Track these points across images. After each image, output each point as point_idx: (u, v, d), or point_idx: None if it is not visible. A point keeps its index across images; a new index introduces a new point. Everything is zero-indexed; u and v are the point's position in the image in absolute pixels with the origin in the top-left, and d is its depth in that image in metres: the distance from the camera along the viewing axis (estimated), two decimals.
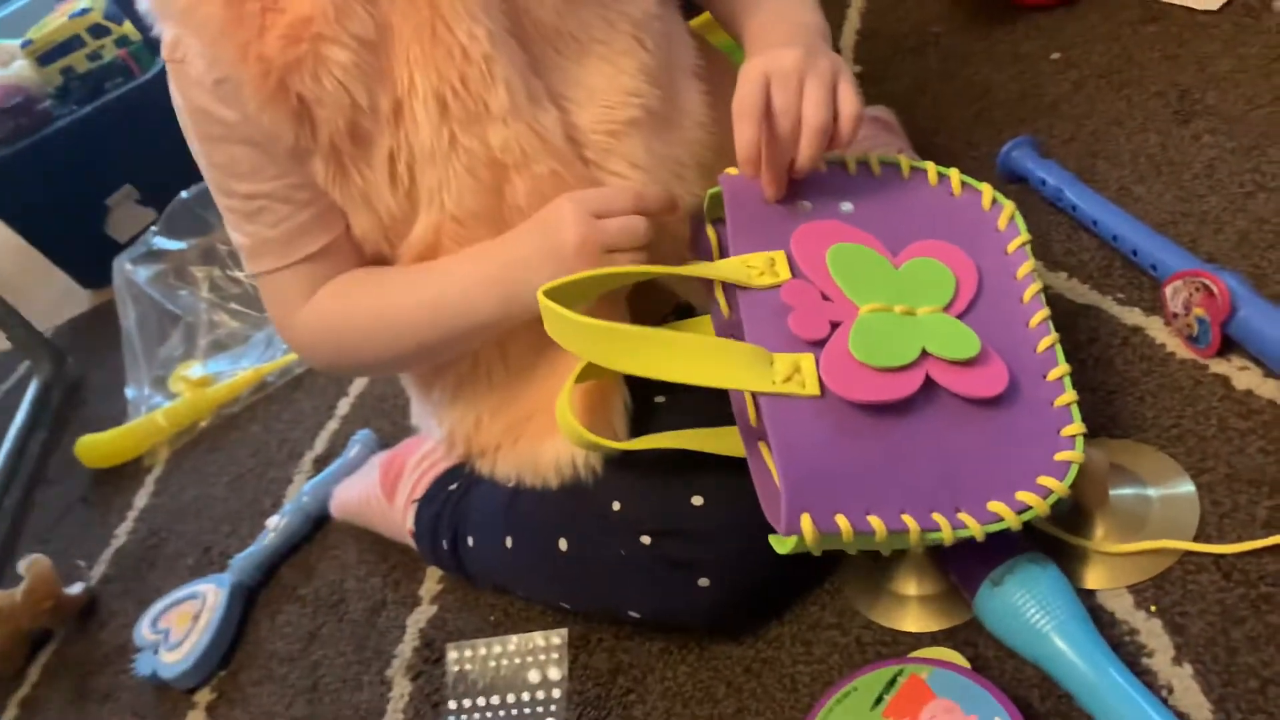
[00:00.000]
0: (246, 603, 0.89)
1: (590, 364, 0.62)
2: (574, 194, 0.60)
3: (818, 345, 0.55)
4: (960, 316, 0.58)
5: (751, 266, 0.58)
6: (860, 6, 1.16)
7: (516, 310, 0.61)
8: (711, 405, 0.61)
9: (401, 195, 0.62)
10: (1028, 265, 0.60)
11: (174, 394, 1.16)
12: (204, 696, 0.84)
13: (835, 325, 0.56)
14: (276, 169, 0.62)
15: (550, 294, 0.57)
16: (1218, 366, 0.64)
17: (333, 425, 1.04)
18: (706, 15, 0.98)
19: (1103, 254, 0.75)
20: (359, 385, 1.08)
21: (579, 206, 0.59)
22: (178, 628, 0.87)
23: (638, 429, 0.65)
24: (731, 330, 0.61)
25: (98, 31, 1.42)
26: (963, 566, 0.58)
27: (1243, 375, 0.62)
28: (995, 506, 0.53)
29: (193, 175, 1.20)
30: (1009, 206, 0.61)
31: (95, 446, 1.16)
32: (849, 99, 0.58)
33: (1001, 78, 0.95)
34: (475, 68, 0.58)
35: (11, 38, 1.51)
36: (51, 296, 1.57)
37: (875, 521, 0.51)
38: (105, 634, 0.96)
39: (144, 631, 0.88)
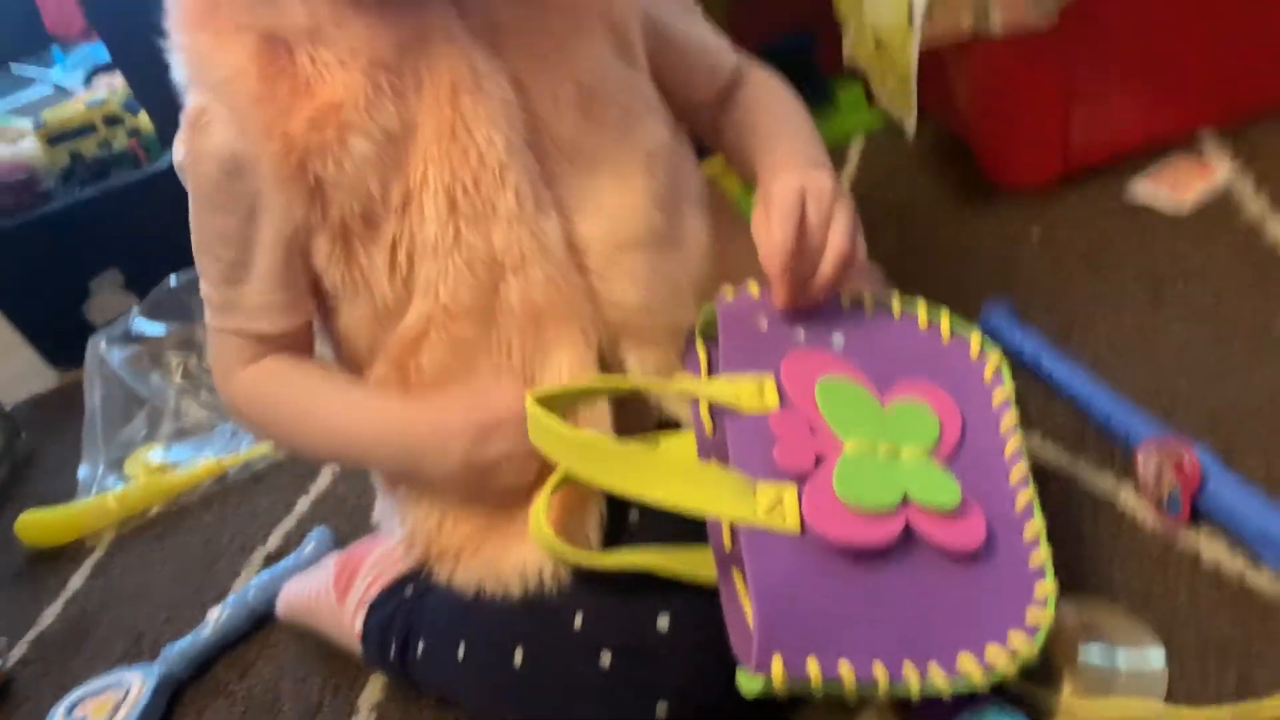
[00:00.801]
0: (173, 696, 0.84)
1: (567, 475, 0.61)
2: (485, 403, 0.62)
3: (800, 478, 0.55)
4: (944, 461, 0.59)
5: (740, 390, 0.59)
6: (851, 174, 1.22)
7: (416, 477, 0.65)
8: (687, 527, 0.60)
9: (399, 283, 0.63)
10: (1010, 418, 0.62)
11: (129, 477, 1.13)
12: None
13: (820, 459, 0.56)
14: (265, 247, 0.63)
15: (539, 399, 0.57)
16: (1188, 537, 0.64)
17: (289, 523, 1.02)
18: (718, 163, 1.03)
19: (1077, 419, 0.77)
20: (320, 484, 1.06)
21: (479, 427, 0.61)
22: (94, 717, 0.82)
23: (610, 543, 0.64)
24: (714, 450, 0.61)
25: (111, 121, 1.46)
26: (929, 714, 0.57)
27: (1212, 547, 0.63)
28: (964, 662, 0.52)
29: (183, 263, 1.22)
30: (996, 356, 0.63)
31: (36, 524, 1.12)
32: (859, 244, 0.62)
33: (983, 249, 1.00)
34: (489, 171, 0.60)
35: (28, 120, 1.54)
36: (15, 371, 1.55)
37: (845, 669, 0.50)
38: None
39: (58, 719, 0.83)
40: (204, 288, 0.66)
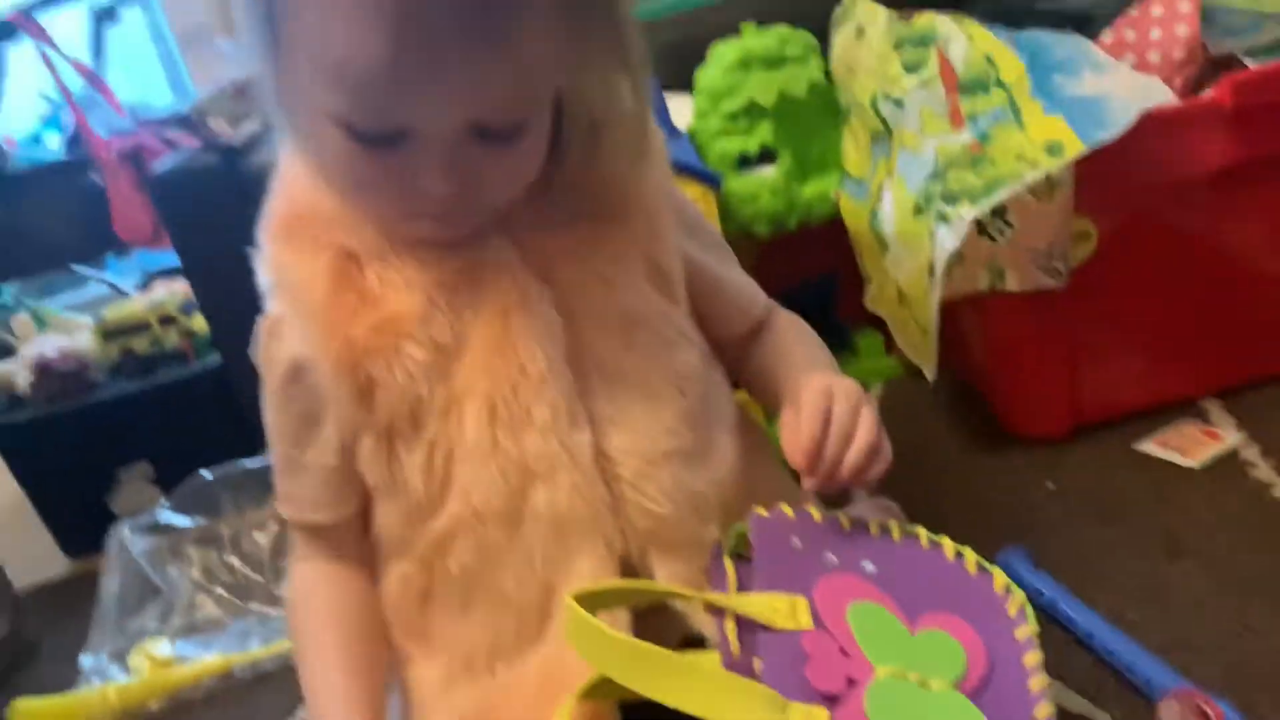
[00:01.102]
0: None
1: (594, 685, 0.62)
2: None
3: (832, 700, 0.56)
4: (969, 696, 0.59)
5: (774, 608, 0.61)
6: None
7: None
8: None
9: (435, 484, 0.66)
10: (1034, 656, 0.62)
11: (133, 669, 1.11)
12: None
13: (851, 683, 0.57)
14: (320, 443, 0.68)
15: (578, 598, 0.59)
16: None
17: None
18: (743, 393, 1.08)
19: (1096, 668, 0.77)
20: None
21: None
22: None
23: None
24: (739, 669, 0.61)
25: (166, 321, 1.54)
26: None
27: None
28: None
29: (213, 460, 1.26)
30: (1019, 594, 0.65)
31: (31, 713, 1.09)
32: (885, 440, 0.66)
33: (997, 496, 1.03)
34: (529, 383, 0.65)
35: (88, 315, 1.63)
36: (29, 556, 1.54)
37: None
38: None
39: None
40: (275, 478, 0.72)
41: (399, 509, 0.68)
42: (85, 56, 1.86)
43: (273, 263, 0.67)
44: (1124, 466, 1.00)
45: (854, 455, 0.64)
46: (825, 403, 0.65)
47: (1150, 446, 1.02)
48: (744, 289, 0.81)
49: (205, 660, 1.11)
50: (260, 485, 1.25)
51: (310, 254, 0.65)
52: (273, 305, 0.68)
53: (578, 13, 0.58)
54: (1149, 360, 1.06)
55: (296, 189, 0.67)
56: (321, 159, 0.62)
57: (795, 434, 0.65)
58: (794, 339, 0.81)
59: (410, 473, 0.66)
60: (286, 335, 0.67)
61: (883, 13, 1.13)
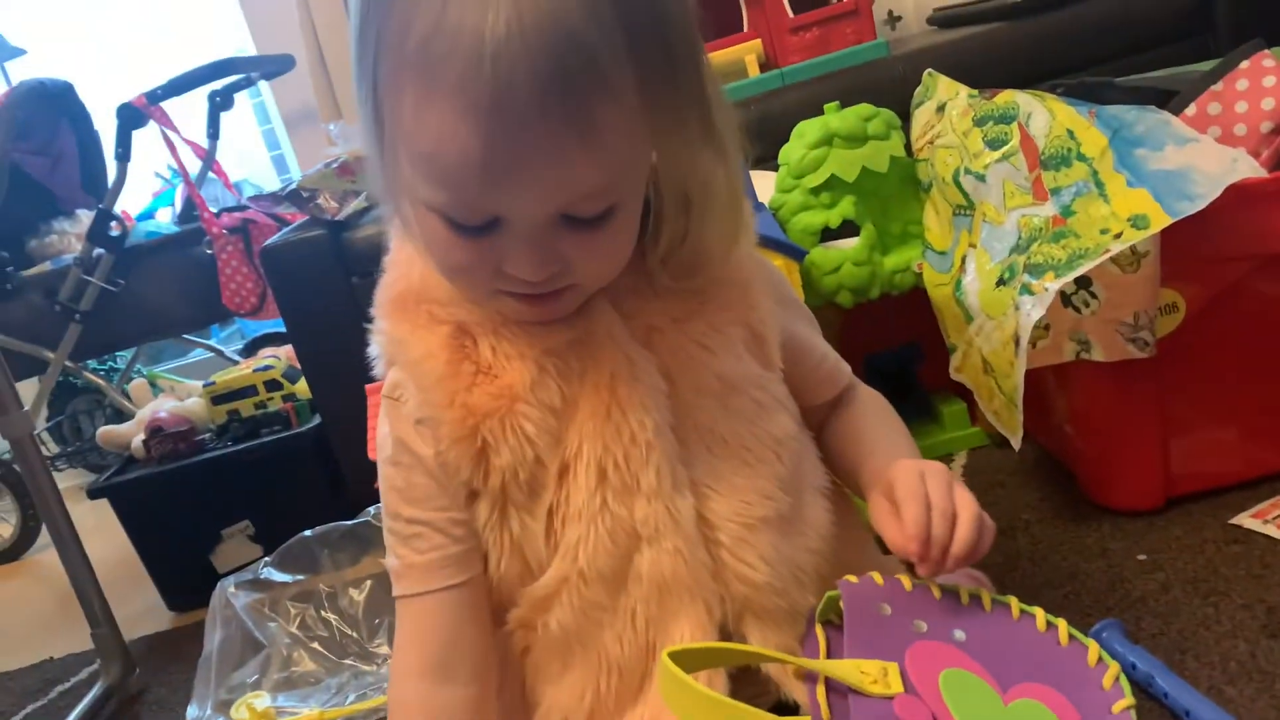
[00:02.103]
0: None
1: None
2: None
3: None
4: None
5: (865, 673, 0.62)
6: None
7: None
8: None
9: (551, 547, 0.69)
10: None
11: None
12: None
13: None
14: (444, 502, 0.70)
15: (673, 657, 0.61)
16: None
17: None
18: None
19: None
20: None
21: None
22: None
23: None
24: None
25: (272, 386, 1.61)
26: None
27: None
28: None
29: (311, 522, 1.31)
30: (1114, 667, 0.65)
31: None
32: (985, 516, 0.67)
33: (1089, 569, 1.02)
34: (638, 450, 0.67)
35: (196, 379, 1.72)
36: (138, 609, 1.62)
37: None
38: None
39: None
40: (389, 560, 0.73)
41: (510, 573, 0.71)
42: (201, 139, 1.99)
43: (389, 336, 0.71)
44: (1219, 540, 0.99)
45: (963, 532, 0.66)
46: (920, 488, 0.66)
47: (1246, 520, 1.00)
48: (830, 358, 0.83)
49: (303, 713, 1.15)
50: (357, 544, 1.30)
51: (427, 328, 0.69)
52: (388, 374, 0.72)
53: (662, 99, 0.61)
54: (1242, 432, 1.05)
55: (411, 266, 0.71)
56: (420, 240, 0.66)
57: (896, 524, 0.66)
58: (875, 416, 0.83)
59: (531, 536, 0.69)
60: (407, 399, 0.70)
61: (963, 90, 1.16)
